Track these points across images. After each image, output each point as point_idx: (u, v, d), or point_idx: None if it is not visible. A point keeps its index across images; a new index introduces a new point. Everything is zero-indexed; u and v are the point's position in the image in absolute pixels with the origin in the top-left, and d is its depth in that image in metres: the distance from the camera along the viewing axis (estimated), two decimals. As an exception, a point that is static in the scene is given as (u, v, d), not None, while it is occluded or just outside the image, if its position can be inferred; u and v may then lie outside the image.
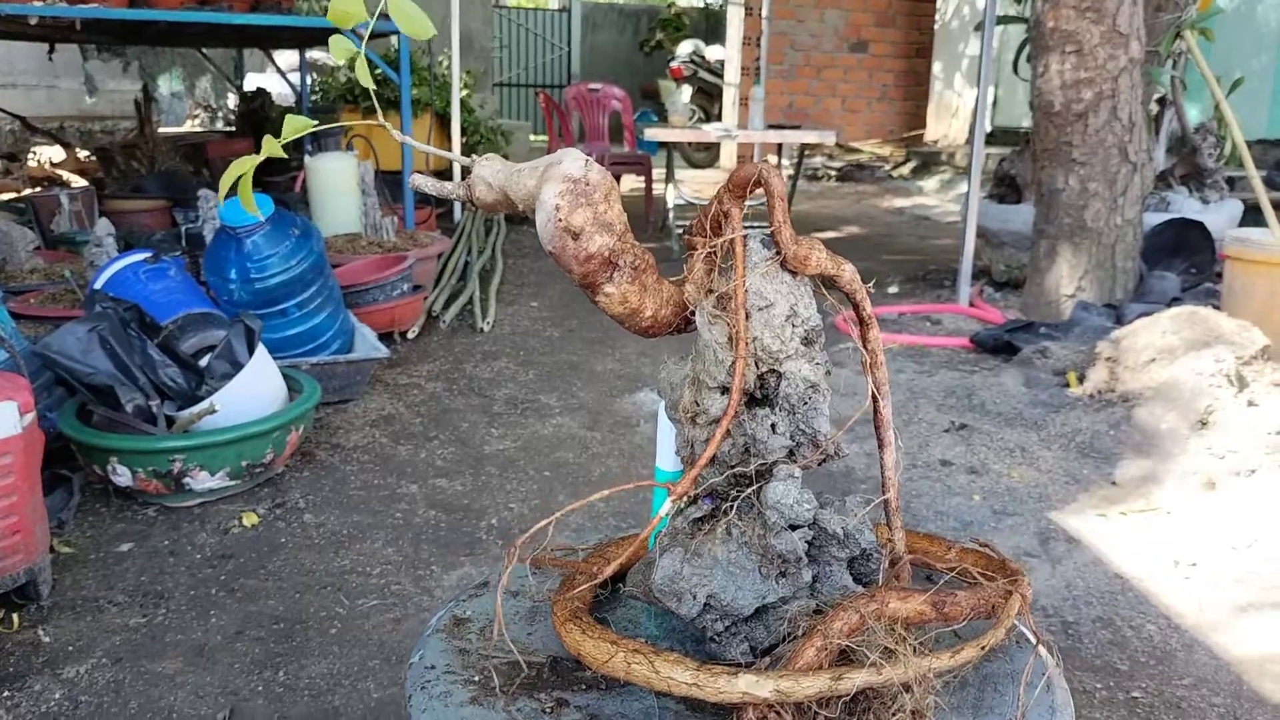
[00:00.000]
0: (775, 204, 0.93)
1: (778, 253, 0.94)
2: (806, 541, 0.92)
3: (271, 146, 0.94)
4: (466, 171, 0.96)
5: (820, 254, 0.95)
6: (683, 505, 0.97)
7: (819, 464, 0.96)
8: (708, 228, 0.96)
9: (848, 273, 0.98)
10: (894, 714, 0.81)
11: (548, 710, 0.89)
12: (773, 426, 0.94)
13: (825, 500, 0.96)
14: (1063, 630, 2.21)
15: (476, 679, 0.94)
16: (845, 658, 0.84)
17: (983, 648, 0.86)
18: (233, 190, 1.00)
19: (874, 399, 1.00)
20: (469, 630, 1.03)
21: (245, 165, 0.97)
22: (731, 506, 0.94)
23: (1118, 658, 2.11)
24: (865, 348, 1.00)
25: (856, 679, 0.80)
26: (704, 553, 0.92)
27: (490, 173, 0.94)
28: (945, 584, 0.92)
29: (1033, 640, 0.96)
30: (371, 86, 1.00)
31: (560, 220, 0.88)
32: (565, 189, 0.88)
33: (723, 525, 0.93)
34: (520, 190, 0.92)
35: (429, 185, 0.98)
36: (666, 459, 1.09)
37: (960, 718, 0.88)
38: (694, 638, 0.97)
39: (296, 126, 0.95)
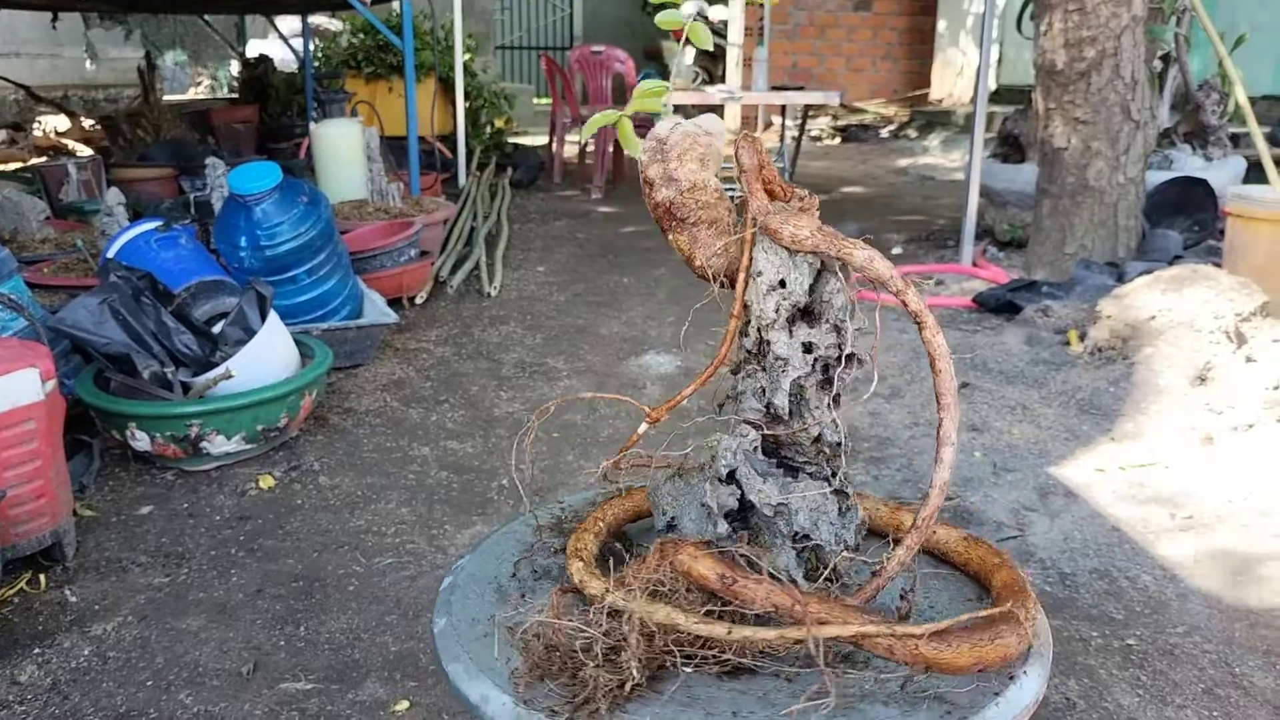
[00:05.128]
0: (744, 177, 0.97)
1: (753, 222, 0.99)
2: (737, 499, 1.00)
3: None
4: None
5: (796, 229, 0.95)
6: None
7: (778, 432, 1.01)
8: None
9: (859, 257, 0.95)
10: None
11: None
12: (759, 390, 1.00)
13: (801, 471, 1.01)
14: (1060, 581, 2.27)
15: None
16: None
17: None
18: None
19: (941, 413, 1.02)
20: None
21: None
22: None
23: (1113, 607, 2.17)
24: (924, 339, 1.00)
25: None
26: (683, 482, 1.02)
27: None
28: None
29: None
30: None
31: (641, 171, 1.03)
32: (650, 146, 1.01)
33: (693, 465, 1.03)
34: None
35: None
36: None
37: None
38: None
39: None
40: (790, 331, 0.99)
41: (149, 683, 1.91)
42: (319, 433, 3.07)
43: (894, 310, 4.34)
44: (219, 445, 2.75)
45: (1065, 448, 2.96)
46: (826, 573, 0.99)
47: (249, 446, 2.82)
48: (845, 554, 0.99)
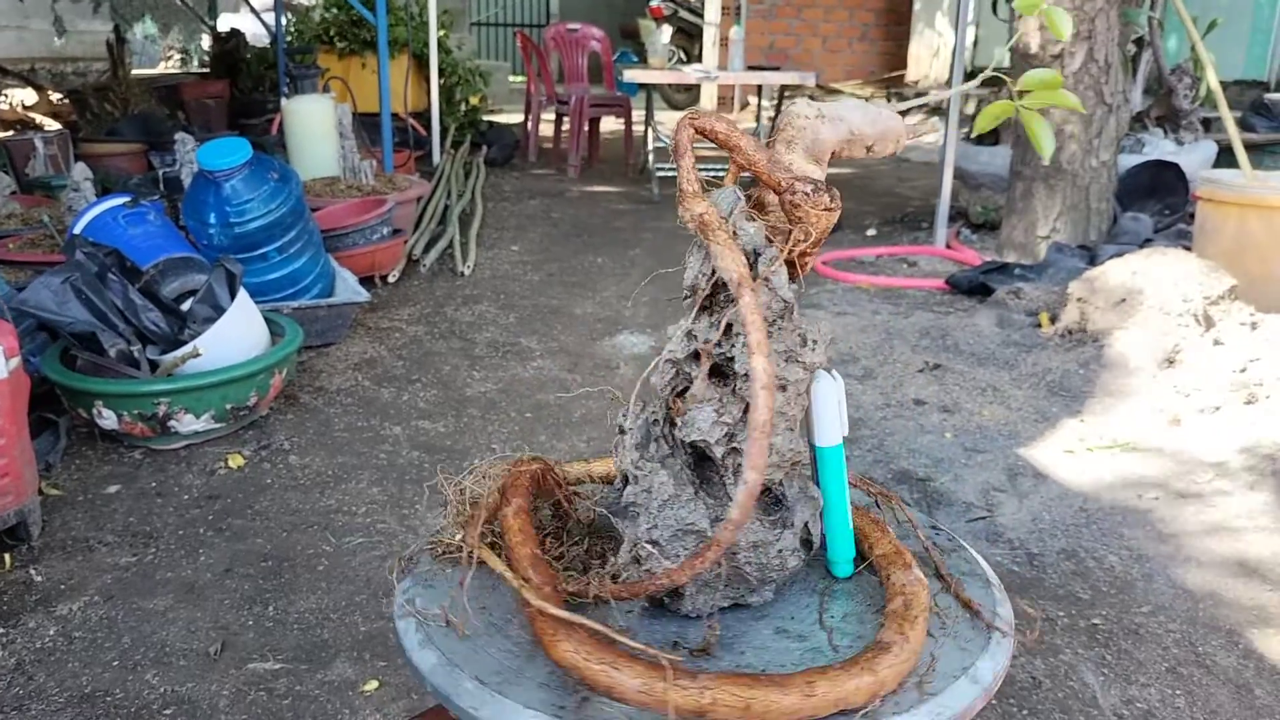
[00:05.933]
0: (674, 155, 0.93)
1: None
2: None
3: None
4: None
5: (685, 211, 0.91)
6: None
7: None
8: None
9: (713, 251, 0.89)
10: None
11: None
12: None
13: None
14: (1028, 562, 2.28)
15: None
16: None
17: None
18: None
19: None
20: None
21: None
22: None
23: (1080, 587, 2.19)
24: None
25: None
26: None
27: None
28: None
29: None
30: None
31: None
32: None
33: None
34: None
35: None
36: (827, 435, 1.01)
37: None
38: None
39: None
40: (696, 318, 0.96)
41: (115, 663, 1.89)
42: (289, 411, 3.05)
43: (868, 291, 4.36)
44: (187, 424, 2.72)
45: (1035, 429, 2.98)
46: (627, 557, 0.96)
47: (218, 425, 2.80)
48: (645, 545, 0.96)
